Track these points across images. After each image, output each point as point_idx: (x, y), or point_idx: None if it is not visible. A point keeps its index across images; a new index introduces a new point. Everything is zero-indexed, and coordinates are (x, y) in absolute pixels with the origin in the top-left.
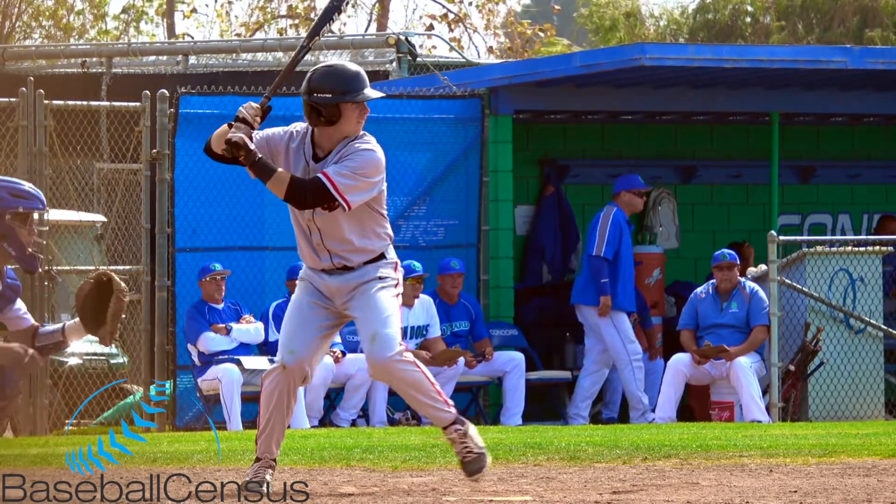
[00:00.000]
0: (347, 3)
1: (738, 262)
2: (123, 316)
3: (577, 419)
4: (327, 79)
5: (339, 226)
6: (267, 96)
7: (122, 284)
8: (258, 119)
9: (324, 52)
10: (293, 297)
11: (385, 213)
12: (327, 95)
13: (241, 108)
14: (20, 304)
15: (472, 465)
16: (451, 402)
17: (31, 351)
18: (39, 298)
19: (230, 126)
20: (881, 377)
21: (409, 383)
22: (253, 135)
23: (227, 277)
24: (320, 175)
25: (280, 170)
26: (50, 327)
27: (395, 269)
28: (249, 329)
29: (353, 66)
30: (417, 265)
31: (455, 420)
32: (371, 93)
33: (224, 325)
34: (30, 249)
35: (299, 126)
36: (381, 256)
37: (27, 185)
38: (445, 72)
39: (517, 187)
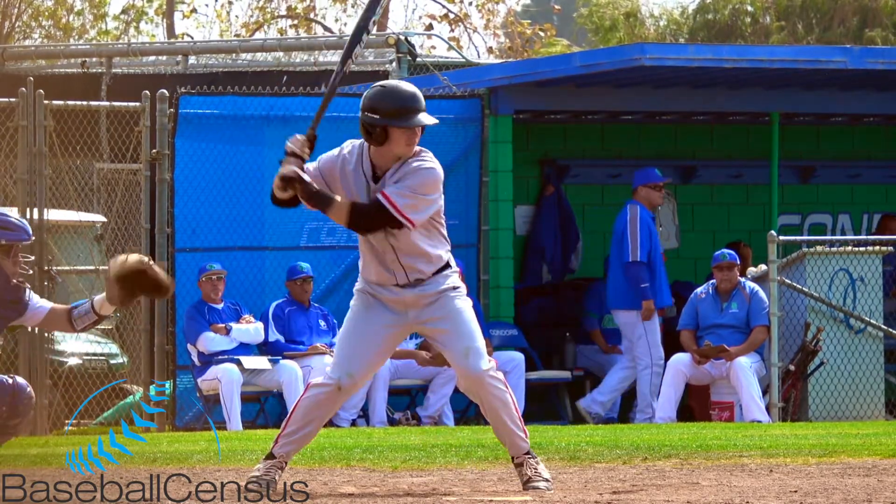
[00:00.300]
0: (374, 23)
1: (738, 262)
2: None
3: (594, 406)
4: (377, 99)
5: (413, 241)
6: (312, 126)
7: (167, 283)
8: (307, 150)
9: (323, 51)
10: (354, 311)
11: (444, 222)
12: (375, 117)
13: (287, 142)
14: (31, 297)
15: (536, 484)
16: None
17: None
18: None
19: (281, 162)
20: (881, 377)
21: (498, 400)
22: (305, 167)
23: (228, 277)
24: (380, 197)
25: (338, 198)
26: (82, 307)
27: (460, 275)
28: (249, 329)
29: (408, 88)
30: None
31: (529, 451)
32: (423, 118)
33: (224, 325)
34: (14, 280)
35: (349, 145)
36: (447, 265)
37: (12, 217)
38: (445, 72)
39: (517, 187)
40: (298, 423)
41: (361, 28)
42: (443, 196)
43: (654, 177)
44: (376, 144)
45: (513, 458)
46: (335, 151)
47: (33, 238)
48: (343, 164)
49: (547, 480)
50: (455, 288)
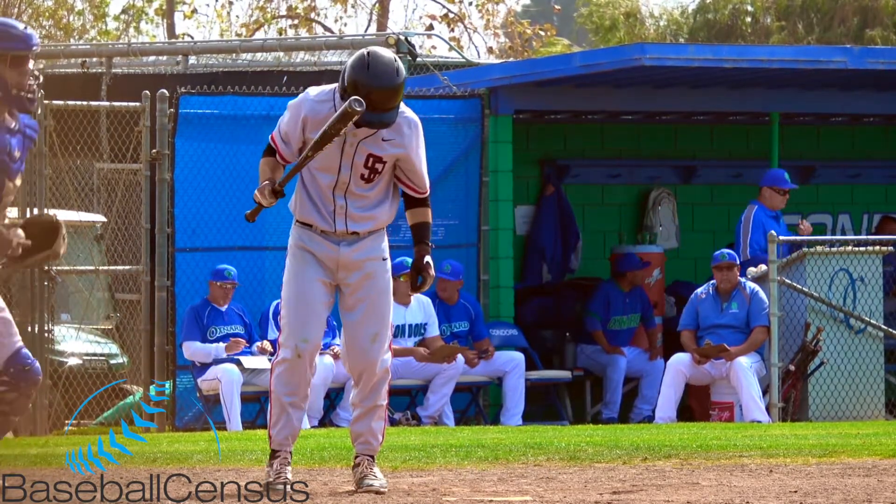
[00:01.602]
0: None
1: (738, 262)
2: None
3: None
4: (355, 69)
5: (373, 199)
6: (281, 183)
7: (61, 249)
8: (273, 201)
9: (324, 52)
10: (291, 274)
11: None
12: (345, 84)
13: (256, 192)
14: (29, 127)
15: (373, 483)
16: None
17: (16, 233)
18: (39, 298)
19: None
20: (881, 377)
21: (379, 392)
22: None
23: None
24: (423, 196)
25: (424, 212)
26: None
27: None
28: (261, 358)
29: (381, 77)
30: (410, 262)
31: (374, 456)
32: (373, 117)
33: (239, 345)
34: (15, 91)
35: (315, 91)
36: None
37: (13, 27)
38: (445, 72)
39: (517, 187)
40: (279, 407)
41: (330, 136)
42: None
43: (780, 181)
44: None
45: (356, 455)
46: (295, 110)
47: (35, 49)
48: (313, 111)
49: (381, 481)
50: (384, 259)
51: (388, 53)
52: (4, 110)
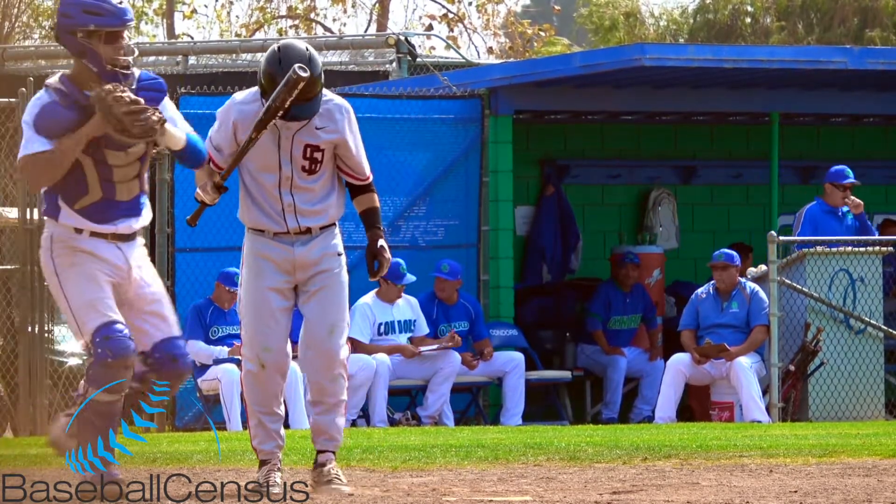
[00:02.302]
0: (290, 103)
1: (736, 262)
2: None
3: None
4: (265, 61)
5: (319, 191)
6: (223, 177)
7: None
8: (216, 199)
9: (324, 52)
10: (248, 283)
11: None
12: (261, 81)
13: (199, 192)
14: (173, 114)
15: (338, 487)
16: None
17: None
18: (39, 298)
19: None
20: (881, 377)
21: (339, 385)
22: (216, 144)
23: None
24: (368, 183)
25: (370, 198)
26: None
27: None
28: None
29: (291, 69)
30: (402, 268)
31: (335, 452)
32: (304, 76)
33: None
34: (109, 66)
35: (241, 94)
36: (334, 224)
37: (106, 2)
38: (445, 72)
39: (517, 187)
40: (255, 420)
41: (276, 109)
42: None
43: (839, 176)
44: None
45: (320, 452)
46: (224, 116)
47: (130, 23)
48: (241, 113)
49: (347, 485)
50: (339, 255)
51: (299, 44)
52: (102, 84)
